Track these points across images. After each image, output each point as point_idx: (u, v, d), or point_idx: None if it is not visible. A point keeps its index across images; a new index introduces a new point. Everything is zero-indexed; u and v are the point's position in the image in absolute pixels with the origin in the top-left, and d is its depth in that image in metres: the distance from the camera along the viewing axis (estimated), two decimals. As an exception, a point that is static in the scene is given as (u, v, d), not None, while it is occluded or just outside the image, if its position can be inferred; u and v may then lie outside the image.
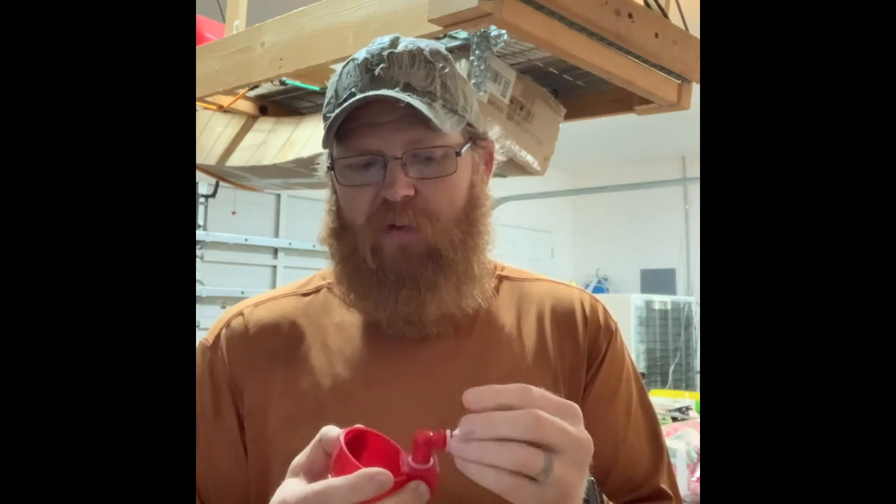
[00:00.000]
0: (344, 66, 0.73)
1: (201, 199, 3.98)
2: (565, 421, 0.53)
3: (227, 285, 4.09)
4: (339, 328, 0.76)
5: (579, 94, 1.56)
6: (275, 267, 4.47)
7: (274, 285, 4.41)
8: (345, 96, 0.70)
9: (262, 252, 4.41)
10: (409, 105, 0.67)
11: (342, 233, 0.74)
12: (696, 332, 5.44)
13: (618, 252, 6.41)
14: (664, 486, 0.77)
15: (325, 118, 0.73)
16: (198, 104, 1.73)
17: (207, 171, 1.97)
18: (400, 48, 0.70)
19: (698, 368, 5.27)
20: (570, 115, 1.55)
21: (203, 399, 0.75)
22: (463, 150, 0.72)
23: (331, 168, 0.73)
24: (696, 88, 1.32)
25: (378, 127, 0.69)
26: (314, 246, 4.40)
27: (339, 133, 0.70)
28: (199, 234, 3.92)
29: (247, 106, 1.82)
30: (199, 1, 1.50)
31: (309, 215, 4.46)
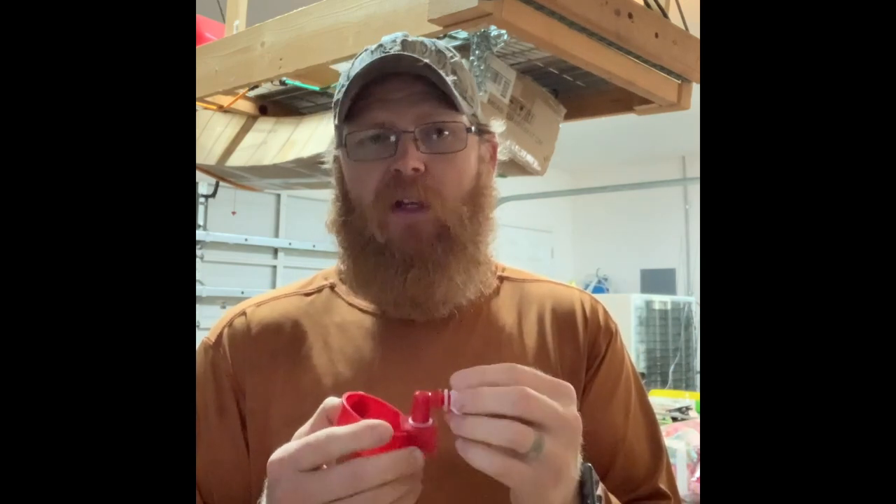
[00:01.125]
0: (357, 56, 0.74)
1: (201, 199, 3.98)
2: (557, 400, 0.54)
3: (227, 285, 4.09)
4: (341, 328, 0.77)
5: (579, 94, 1.56)
6: (275, 267, 4.47)
7: (274, 285, 4.41)
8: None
9: (262, 252, 4.41)
10: (421, 82, 0.69)
11: (349, 215, 0.74)
12: (696, 332, 5.44)
13: (618, 252, 6.41)
14: (663, 486, 0.77)
15: (337, 103, 0.74)
16: (198, 104, 1.73)
17: (207, 171, 1.97)
18: (412, 38, 0.73)
19: (698, 368, 5.27)
20: (570, 115, 1.55)
21: (205, 397, 0.75)
22: (472, 129, 0.73)
23: (342, 144, 0.73)
24: (696, 88, 1.32)
25: (390, 102, 0.70)
26: (314, 246, 4.43)
27: (351, 111, 0.71)
28: (199, 234, 3.91)
29: (247, 106, 1.82)
30: (199, 1, 1.50)
31: (309, 215, 4.46)
